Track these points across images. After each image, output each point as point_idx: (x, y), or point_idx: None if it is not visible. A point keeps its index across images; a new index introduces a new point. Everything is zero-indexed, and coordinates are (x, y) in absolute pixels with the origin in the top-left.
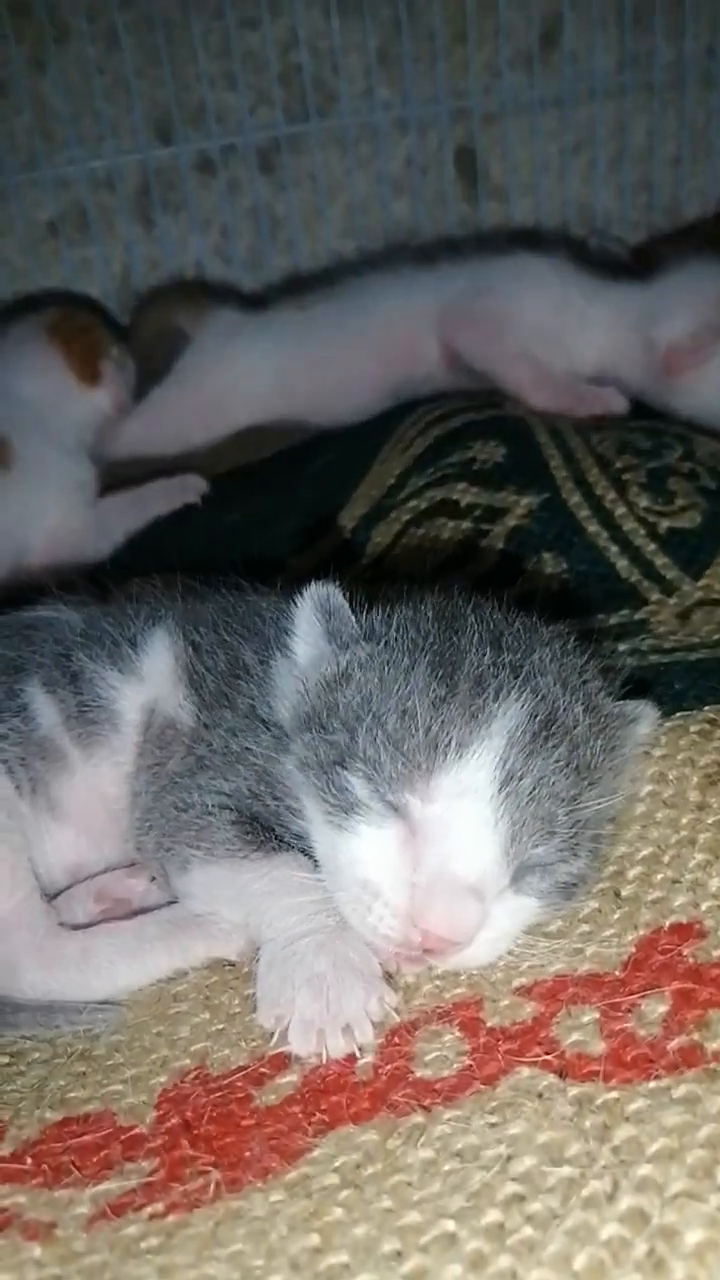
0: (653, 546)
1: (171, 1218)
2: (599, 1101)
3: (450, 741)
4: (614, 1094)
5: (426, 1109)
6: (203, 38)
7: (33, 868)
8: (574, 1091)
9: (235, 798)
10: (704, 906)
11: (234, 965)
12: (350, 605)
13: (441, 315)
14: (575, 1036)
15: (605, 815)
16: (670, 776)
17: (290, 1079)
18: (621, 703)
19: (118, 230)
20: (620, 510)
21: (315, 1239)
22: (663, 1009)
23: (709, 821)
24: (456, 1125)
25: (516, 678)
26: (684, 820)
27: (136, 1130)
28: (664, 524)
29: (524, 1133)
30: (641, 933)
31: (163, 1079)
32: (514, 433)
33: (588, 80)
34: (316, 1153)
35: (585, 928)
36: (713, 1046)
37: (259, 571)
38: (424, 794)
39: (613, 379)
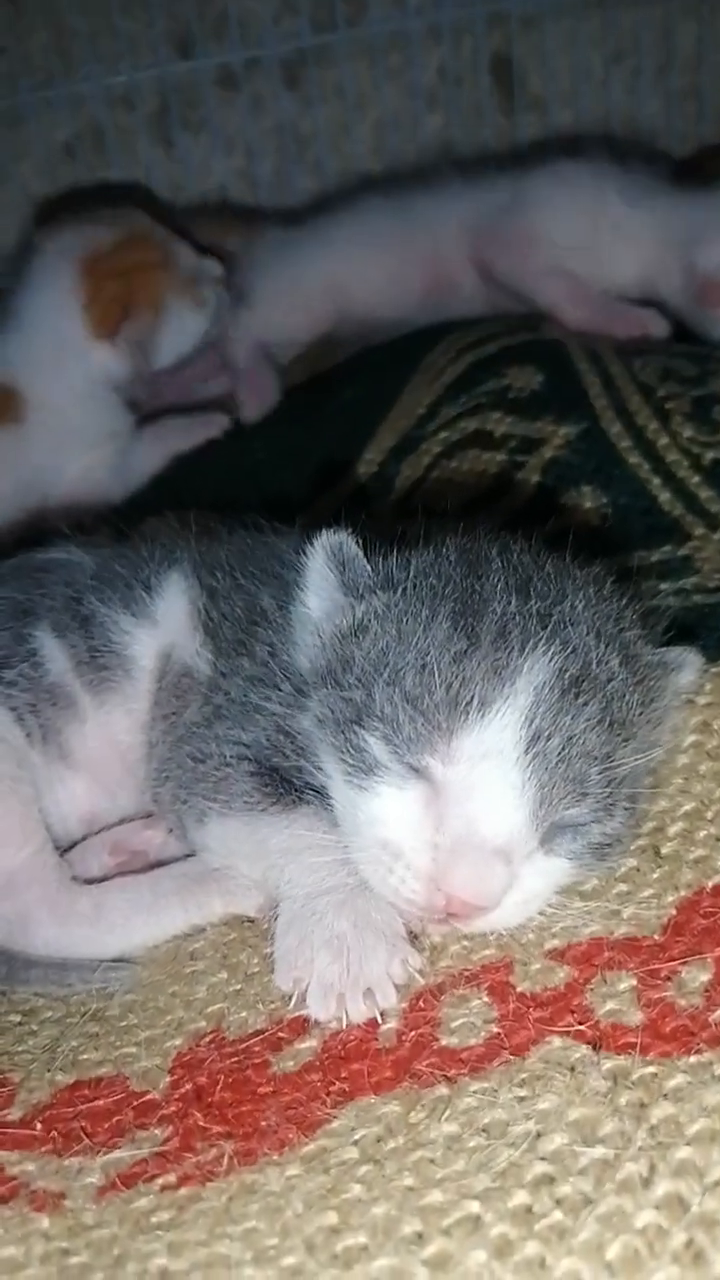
0: (697, 479)
1: (183, 1190)
2: (635, 1077)
3: (472, 699)
4: (651, 1069)
5: (451, 1080)
6: None
7: (45, 819)
8: (608, 1065)
9: (254, 749)
10: None
11: (253, 922)
12: (367, 551)
13: (475, 232)
14: (610, 1005)
15: (642, 771)
16: (715, 726)
17: (309, 1044)
18: (663, 650)
19: (137, 152)
20: (663, 441)
21: (333, 1217)
22: (705, 977)
23: None
24: (483, 1098)
25: (545, 628)
26: None
27: (150, 1096)
28: (709, 455)
29: (554, 1108)
30: (683, 894)
31: (177, 1042)
32: (551, 358)
33: None
34: (335, 1124)
35: (622, 887)
36: None
37: (280, 511)
38: (445, 756)
39: (655, 298)
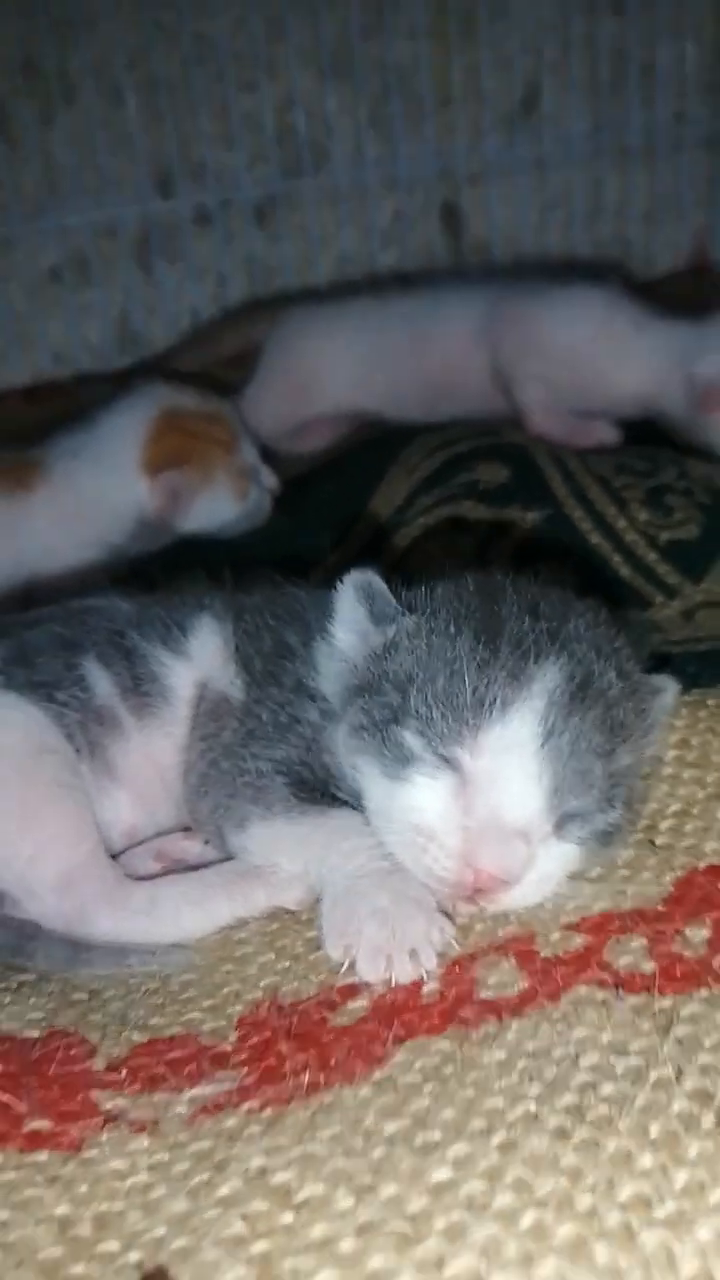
0: (654, 555)
1: (268, 1111)
2: (655, 1008)
3: (496, 700)
4: (668, 1001)
5: (494, 1021)
6: (204, 98)
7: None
8: (631, 1001)
9: (286, 763)
10: None
11: (293, 914)
12: (389, 586)
13: (492, 324)
14: (626, 959)
15: (637, 770)
16: (693, 742)
17: (361, 1004)
18: (646, 675)
19: (118, 277)
20: (621, 524)
21: (407, 1122)
22: (705, 934)
23: None
24: (524, 1032)
25: (554, 642)
26: (709, 779)
27: (221, 1047)
28: (664, 535)
29: (589, 1034)
30: (678, 874)
31: (238, 1008)
32: (516, 456)
33: (565, 143)
34: (396, 1058)
35: (624, 872)
36: None
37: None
38: (473, 748)
39: (654, 411)
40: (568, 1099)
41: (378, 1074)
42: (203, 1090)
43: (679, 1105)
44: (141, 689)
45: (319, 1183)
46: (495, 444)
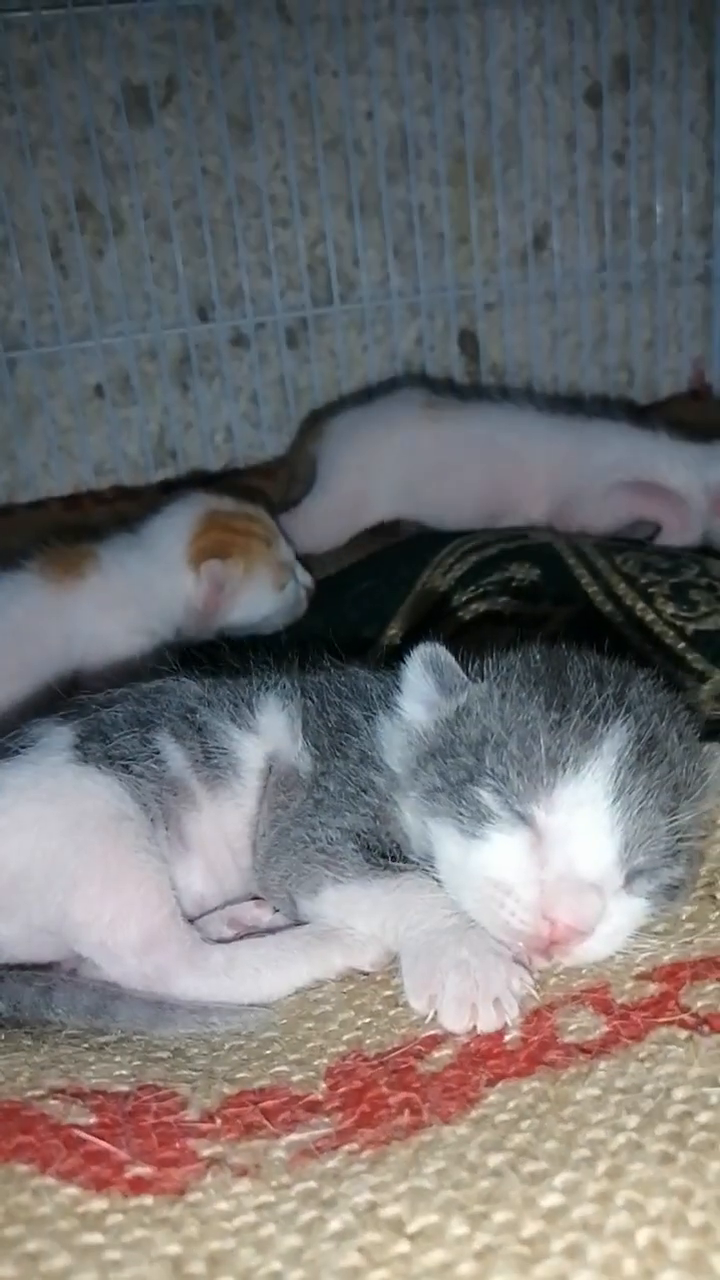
0: (682, 645)
1: (369, 1151)
2: None
3: (569, 759)
4: None
5: (581, 1061)
6: (243, 233)
7: None
8: (716, 1038)
9: (354, 831)
10: None
11: (367, 974)
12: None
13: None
14: (704, 1001)
15: (697, 827)
16: None
17: (446, 1053)
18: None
19: (157, 394)
20: (650, 617)
21: (511, 1155)
22: None
23: None
24: (612, 1071)
25: (620, 705)
26: None
27: (313, 1096)
28: (690, 627)
29: (677, 1070)
30: None
31: (325, 1060)
32: (545, 556)
33: (573, 277)
34: (490, 1099)
35: (689, 925)
36: None
37: None
38: (547, 805)
39: None
40: (666, 1128)
41: (474, 1113)
42: (300, 1135)
43: None
44: (212, 762)
45: (431, 1213)
46: (524, 545)
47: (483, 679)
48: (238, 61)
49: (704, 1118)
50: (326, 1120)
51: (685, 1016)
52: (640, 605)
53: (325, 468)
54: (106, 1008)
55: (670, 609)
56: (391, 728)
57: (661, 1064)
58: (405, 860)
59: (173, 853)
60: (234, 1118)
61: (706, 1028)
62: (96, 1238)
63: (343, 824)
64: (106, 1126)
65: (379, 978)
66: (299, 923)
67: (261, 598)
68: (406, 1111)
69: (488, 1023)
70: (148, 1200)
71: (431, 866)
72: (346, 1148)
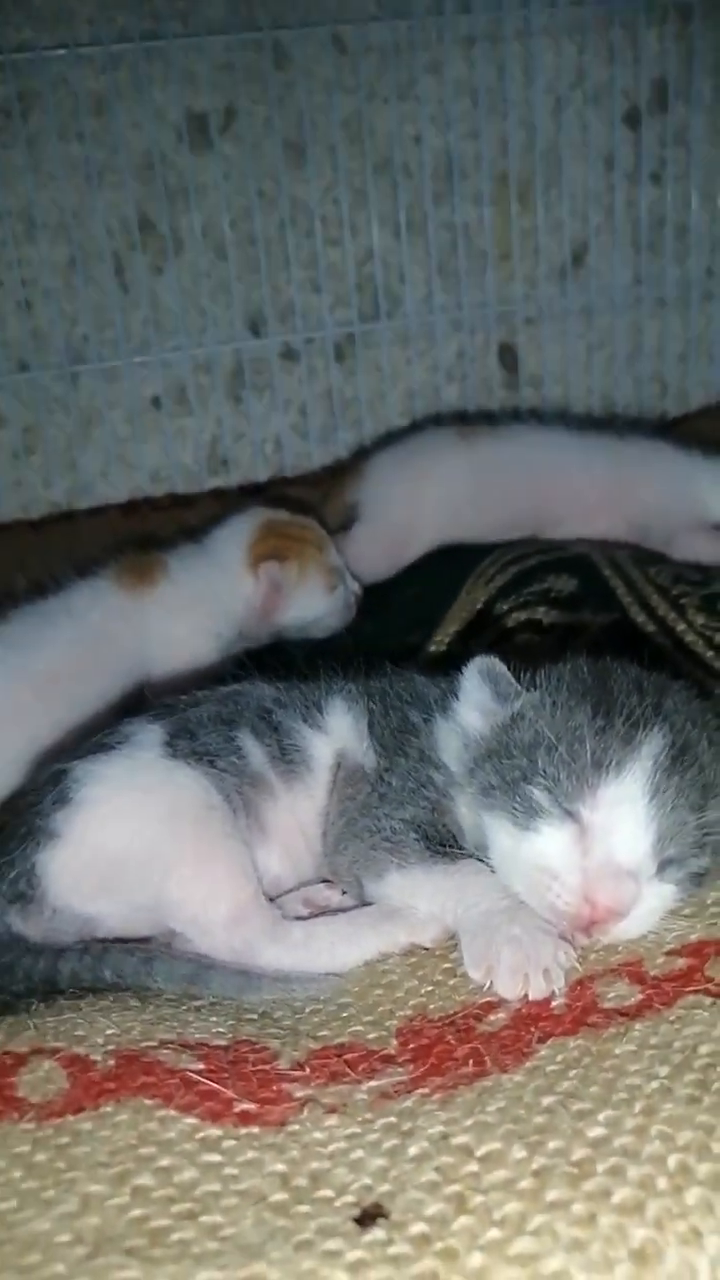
0: (711, 653)
1: (438, 1095)
2: None
3: (612, 762)
4: None
5: (620, 1023)
6: (295, 252)
7: None
8: None
9: (415, 821)
10: None
11: (427, 949)
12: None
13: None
14: None
15: None
16: None
17: (500, 1016)
18: None
19: (211, 406)
20: (681, 627)
21: (560, 1096)
22: None
23: None
24: (646, 1031)
25: (657, 715)
26: None
27: (386, 1051)
28: (718, 637)
29: (703, 1030)
30: None
31: (394, 1021)
32: (582, 567)
33: (609, 293)
34: (540, 1053)
35: (715, 909)
36: None
37: None
38: (591, 803)
39: None
40: (693, 1076)
41: (528, 1064)
42: (379, 1081)
43: None
44: (287, 758)
45: (495, 1141)
46: (562, 558)
47: (535, 688)
48: (293, 90)
49: None
50: (400, 1070)
51: (710, 986)
52: (672, 615)
53: (369, 504)
54: (201, 976)
55: (701, 619)
56: (448, 730)
57: (689, 1025)
58: (460, 849)
59: (253, 839)
60: (320, 1067)
61: None
62: (216, 1157)
63: (404, 815)
64: (213, 1071)
65: (438, 952)
66: (366, 903)
67: (314, 599)
68: (471, 1062)
69: (538, 990)
70: (255, 1129)
71: (484, 855)
72: (419, 1091)
